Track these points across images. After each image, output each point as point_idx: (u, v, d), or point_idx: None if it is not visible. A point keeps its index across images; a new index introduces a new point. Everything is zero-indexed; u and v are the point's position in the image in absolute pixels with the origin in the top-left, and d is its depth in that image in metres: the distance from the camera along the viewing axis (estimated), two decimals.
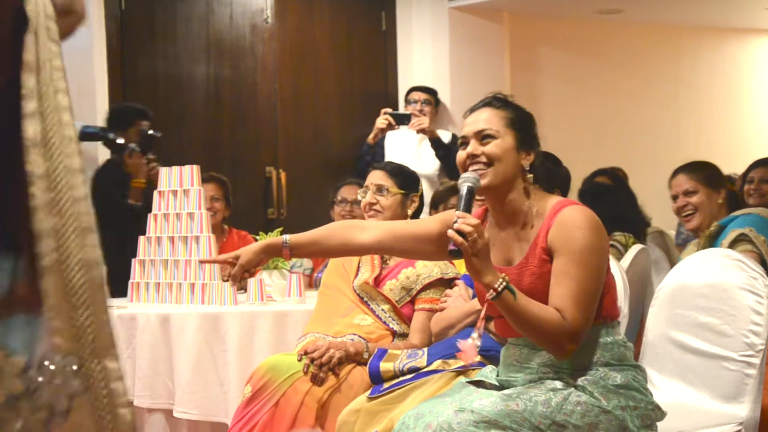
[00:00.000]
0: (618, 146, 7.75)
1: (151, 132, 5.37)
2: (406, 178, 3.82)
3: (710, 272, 3.20)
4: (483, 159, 2.69)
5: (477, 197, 2.76)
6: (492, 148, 2.68)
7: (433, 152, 6.22)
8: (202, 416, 3.82)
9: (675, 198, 4.38)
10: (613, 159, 6.96)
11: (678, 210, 4.37)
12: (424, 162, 6.22)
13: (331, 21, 6.85)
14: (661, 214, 5.93)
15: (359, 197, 3.84)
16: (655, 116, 8.38)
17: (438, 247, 2.88)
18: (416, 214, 3.83)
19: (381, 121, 6.22)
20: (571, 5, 7.58)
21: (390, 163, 3.98)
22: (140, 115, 5.52)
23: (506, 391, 2.63)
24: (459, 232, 2.50)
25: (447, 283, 3.62)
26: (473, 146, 2.71)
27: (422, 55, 7.01)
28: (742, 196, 5.24)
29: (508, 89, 6.87)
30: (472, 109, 2.79)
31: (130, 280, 4.47)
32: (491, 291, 2.53)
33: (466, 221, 2.51)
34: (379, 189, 3.76)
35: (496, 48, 7.18)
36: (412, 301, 3.64)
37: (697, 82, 8.70)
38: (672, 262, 4.77)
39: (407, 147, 6.32)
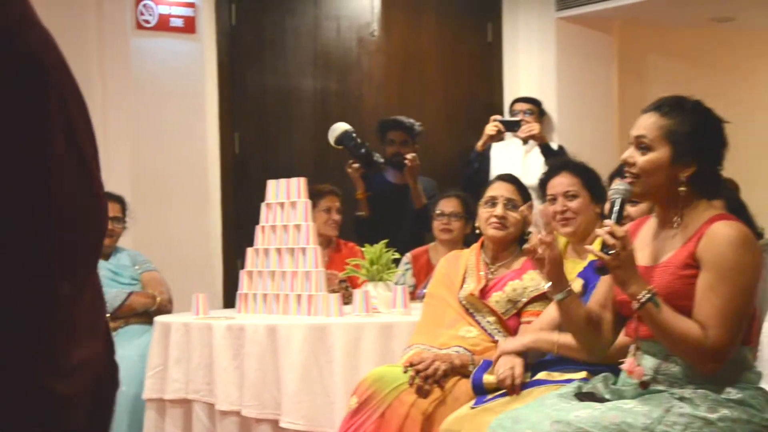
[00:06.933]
0: (729, 156, 7.54)
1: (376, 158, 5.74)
2: (527, 195, 3.77)
3: None
4: (634, 170, 2.66)
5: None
6: (644, 162, 2.65)
7: (539, 164, 6.15)
8: (309, 426, 3.83)
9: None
10: (724, 169, 6.79)
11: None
12: (531, 174, 6.15)
13: (437, 33, 6.85)
14: None
15: (482, 208, 3.75)
16: None
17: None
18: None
19: (490, 128, 6.11)
20: (682, 13, 7.42)
21: (514, 176, 3.88)
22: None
23: (608, 404, 2.59)
24: (603, 245, 2.52)
25: None
26: (630, 152, 2.68)
27: (528, 66, 6.95)
28: None
29: (617, 99, 6.77)
30: (645, 110, 2.73)
31: (238, 291, 4.54)
32: (635, 302, 2.52)
33: (612, 232, 2.52)
34: (513, 205, 3.69)
35: (605, 57, 7.07)
36: (518, 314, 3.60)
37: None
38: None
39: (513, 159, 6.26)
